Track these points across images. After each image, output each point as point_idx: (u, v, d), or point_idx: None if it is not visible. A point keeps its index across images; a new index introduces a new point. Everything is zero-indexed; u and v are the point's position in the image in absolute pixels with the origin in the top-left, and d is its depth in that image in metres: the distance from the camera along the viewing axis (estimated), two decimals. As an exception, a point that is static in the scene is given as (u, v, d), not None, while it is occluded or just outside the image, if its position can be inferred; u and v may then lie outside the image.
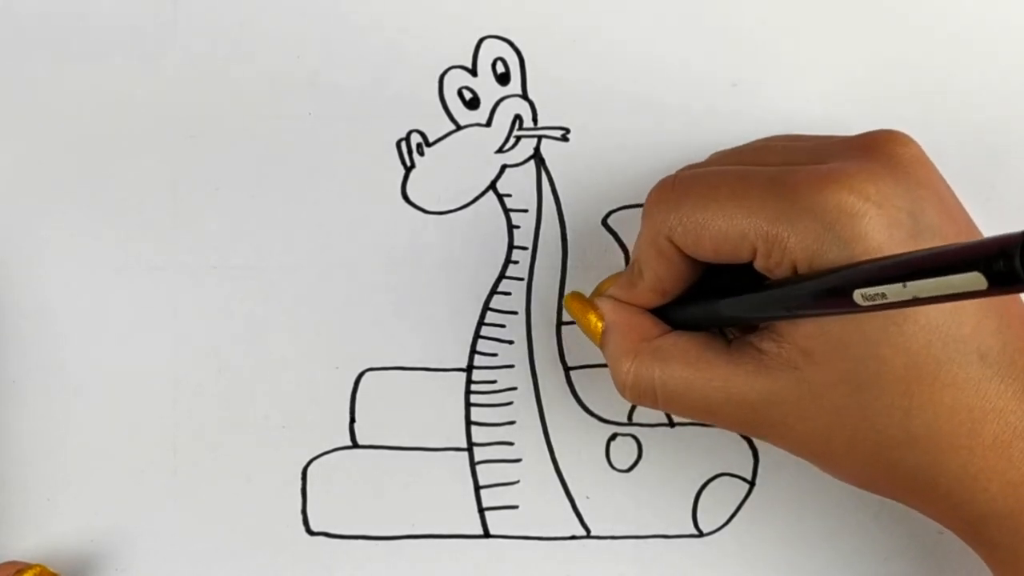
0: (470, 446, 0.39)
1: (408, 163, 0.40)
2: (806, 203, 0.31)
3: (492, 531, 0.39)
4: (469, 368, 0.40)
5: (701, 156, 0.39)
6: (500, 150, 0.40)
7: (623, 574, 0.39)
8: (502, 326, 0.40)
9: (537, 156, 0.40)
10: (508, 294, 0.40)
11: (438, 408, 0.39)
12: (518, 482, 0.39)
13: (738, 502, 0.39)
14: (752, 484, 0.39)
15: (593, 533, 0.39)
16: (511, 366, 0.40)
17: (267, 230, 0.40)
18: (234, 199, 0.40)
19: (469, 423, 0.39)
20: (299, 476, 0.39)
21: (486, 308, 0.40)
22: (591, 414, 0.40)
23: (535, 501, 0.39)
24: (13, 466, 0.39)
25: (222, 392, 0.39)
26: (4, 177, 0.40)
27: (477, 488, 0.39)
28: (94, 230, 0.40)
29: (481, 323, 0.40)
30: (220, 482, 0.39)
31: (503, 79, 0.40)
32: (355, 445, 0.39)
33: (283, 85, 0.40)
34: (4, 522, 0.39)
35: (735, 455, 0.39)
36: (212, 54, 0.40)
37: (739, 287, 0.34)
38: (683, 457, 0.39)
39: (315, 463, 0.39)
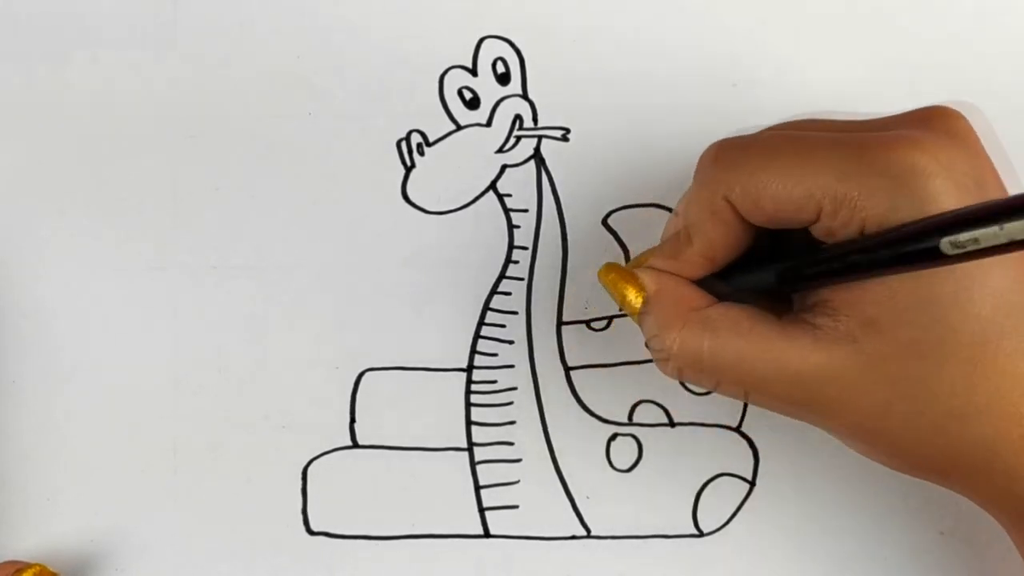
0: (470, 446, 0.39)
1: (408, 163, 0.40)
2: (877, 162, 0.30)
3: (492, 531, 0.39)
4: (469, 368, 0.40)
5: (701, 156, 0.39)
6: (500, 150, 0.40)
7: (623, 574, 0.39)
8: (502, 326, 0.40)
9: (537, 156, 0.40)
10: (508, 294, 0.40)
11: (438, 408, 0.39)
12: (518, 482, 0.39)
13: (738, 502, 0.39)
14: (752, 484, 0.39)
15: (593, 533, 0.39)
16: (511, 366, 0.40)
17: (267, 230, 0.40)
18: (234, 199, 0.40)
19: (469, 423, 0.39)
20: (299, 476, 0.39)
21: (486, 308, 0.40)
22: (591, 414, 0.40)
23: (535, 501, 0.39)
24: (13, 466, 0.39)
25: (222, 392, 0.39)
26: (4, 177, 0.40)
27: (477, 488, 0.39)
28: (94, 230, 0.40)
29: (481, 323, 0.40)
30: (220, 482, 0.39)
31: (503, 79, 0.40)
32: (355, 445, 0.39)
33: (283, 85, 0.40)
34: (4, 522, 0.39)
35: (735, 455, 0.39)
36: (212, 54, 0.40)
37: (784, 258, 0.33)
38: (683, 457, 0.39)
39: (315, 463, 0.39)
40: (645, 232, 0.39)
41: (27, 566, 0.37)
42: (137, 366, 0.39)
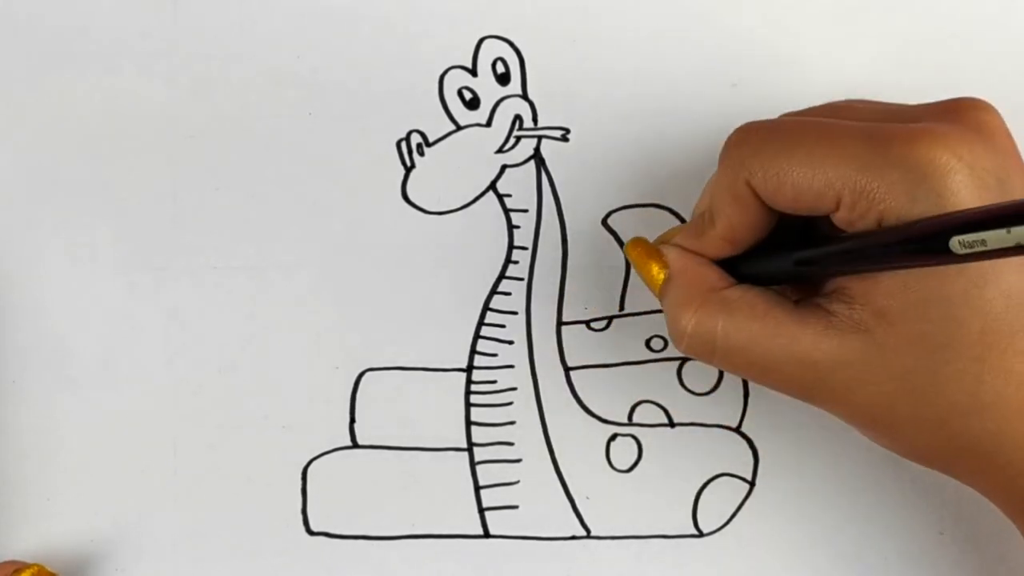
0: (470, 446, 0.39)
1: (408, 163, 0.40)
2: (898, 155, 0.30)
3: (492, 531, 0.39)
4: (469, 368, 0.40)
5: (701, 156, 0.39)
6: (500, 150, 0.40)
7: (623, 574, 0.39)
8: (502, 326, 0.40)
9: (537, 156, 0.40)
10: (508, 294, 0.40)
11: (438, 408, 0.39)
12: (518, 482, 0.39)
13: (738, 502, 0.39)
14: (752, 484, 0.39)
15: (593, 533, 0.39)
16: (511, 366, 0.40)
17: (267, 230, 0.40)
18: (234, 199, 0.40)
19: (469, 423, 0.39)
20: (299, 476, 0.39)
21: (486, 308, 0.40)
22: (591, 414, 0.40)
23: (535, 501, 0.39)
24: (13, 466, 0.39)
25: (222, 392, 0.39)
26: (4, 177, 0.40)
27: (477, 488, 0.39)
28: (94, 230, 0.40)
29: (481, 323, 0.40)
30: (220, 482, 0.39)
31: (503, 79, 0.40)
32: (355, 445, 0.39)
33: (283, 85, 0.40)
34: (3, 521, 0.39)
35: (735, 455, 0.39)
36: (212, 54, 0.40)
37: (807, 243, 0.33)
38: (683, 457, 0.39)
39: (315, 463, 0.39)
40: (645, 232, 0.39)
41: (26, 566, 0.37)
42: (137, 366, 0.39)
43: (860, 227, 0.31)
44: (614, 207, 0.40)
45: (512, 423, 0.40)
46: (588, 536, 0.39)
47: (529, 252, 0.40)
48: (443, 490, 0.39)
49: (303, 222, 0.40)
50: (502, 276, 0.40)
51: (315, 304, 0.40)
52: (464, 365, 0.40)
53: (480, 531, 0.39)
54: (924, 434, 0.32)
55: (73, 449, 0.39)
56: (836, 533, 0.39)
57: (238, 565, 0.39)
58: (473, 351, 0.40)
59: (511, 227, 0.40)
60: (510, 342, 0.40)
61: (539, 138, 0.40)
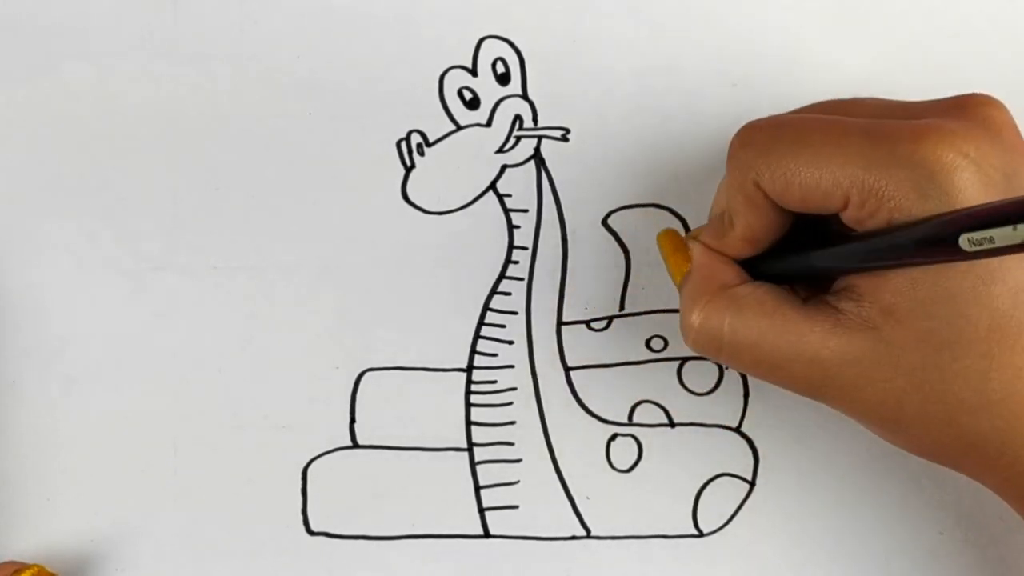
0: (470, 446, 0.39)
1: (408, 163, 0.40)
2: (905, 153, 0.31)
3: (492, 531, 0.39)
4: (469, 368, 0.40)
5: (701, 156, 0.39)
6: (500, 150, 0.40)
7: (623, 574, 0.39)
8: (502, 326, 0.40)
9: (537, 156, 0.40)
10: (508, 294, 0.40)
11: (438, 408, 0.39)
12: (518, 482, 0.39)
13: (738, 502, 0.39)
14: (752, 484, 0.39)
15: (593, 533, 0.39)
16: (511, 366, 0.40)
17: (267, 230, 0.40)
18: (234, 199, 0.40)
19: (469, 423, 0.39)
20: (299, 476, 0.39)
21: (486, 308, 0.40)
22: (591, 414, 0.40)
23: (535, 501, 0.39)
24: (12, 466, 0.39)
25: (222, 392, 0.39)
26: (4, 177, 0.40)
27: (477, 488, 0.39)
28: (94, 230, 0.40)
29: (481, 323, 0.40)
30: (220, 482, 0.39)
31: (503, 79, 0.40)
32: (355, 445, 0.39)
33: (283, 85, 0.40)
34: (3, 522, 0.39)
35: (735, 455, 0.39)
36: (212, 54, 0.40)
37: (825, 240, 0.33)
38: (683, 457, 0.39)
39: (315, 463, 0.39)
40: (645, 232, 0.39)
41: (26, 566, 0.37)
42: (137, 366, 0.39)
43: (870, 225, 0.31)
44: (614, 207, 0.40)
45: (512, 423, 0.40)
46: (588, 536, 0.39)
47: (529, 252, 0.40)
48: (443, 490, 0.39)
49: (303, 222, 0.40)
50: (502, 276, 0.40)
51: (315, 304, 0.40)
52: (464, 365, 0.40)
53: (480, 531, 0.39)
54: (932, 431, 0.32)
55: (73, 449, 0.39)
56: (836, 533, 0.39)
57: (238, 565, 0.39)
58: (473, 351, 0.40)
59: (511, 227, 0.40)
60: (510, 342, 0.40)
61: (539, 138, 0.40)
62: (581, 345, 0.40)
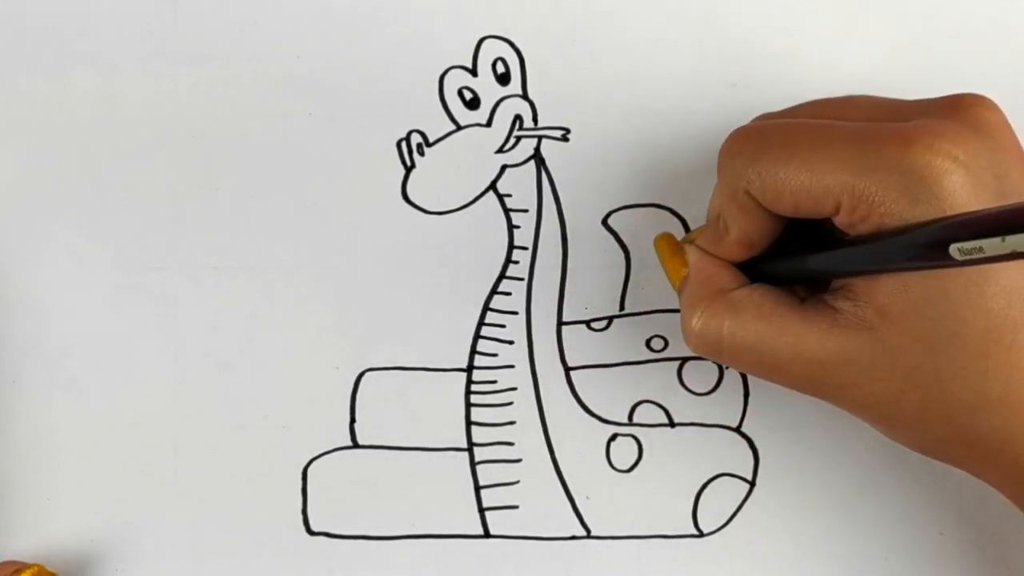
0: (470, 446, 0.39)
1: (408, 163, 0.40)
2: (894, 158, 0.31)
3: (492, 531, 0.39)
4: (469, 368, 0.40)
5: (701, 156, 0.39)
6: (500, 150, 0.40)
7: (623, 574, 0.39)
8: (502, 326, 0.40)
9: (537, 156, 0.40)
10: (508, 294, 0.40)
11: (438, 408, 0.39)
12: (518, 482, 0.39)
13: (738, 502, 0.39)
14: (752, 484, 0.39)
15: (593, 533, 0.39)
16: (511, 366, 0.40)
17: (267, 230, 0.40)
18: (234, 199, 0.40)
19: (469, 423, 0.39)
20: (299, 476, 0.39)
21: (486, 308, 0.40)
22: (591, 414, 0.40)
23: (535, 501, 0.39)
24: (12, 466, 0.39)
25: (222, 392, 0.39)
26: (4, 177, 0.40)
27: (477, 488, 0.39)
28: (94, 230, 0.40)
29: (481, 323, 0.40)
30: (220, 482, 0.39)
31: (503, 79, 0.40)
32: (355, 445, 0.39)
33: (283, 85, 0.40)
34: (3, 522, 0.39)
35: (735, 455, 0.39)
36: (212, 54, 0.40)
37: (822, 242, 0.33)
38: (683, 457, 0.39)
39: (315, 463, 0.39)
40: (645, 232, 0.39)
41: (26, 566, 0.37)
42: (137, 366, 0.39)
43: (861, 230, 0.31)
44: (614, 207, 0.40)
45: (512, 423, 0.40)
46: (588, 536, 0.39)
47: (529, 252, 0.40)
48: (443, 490, 0.39)
49: (303, 222, 0.40)
50: (502, 276, 0.40)
51: (315, 304, 0.40)
52: (464, 365, 0.40)
53: (480, 531, 0.39)
54: (932, 429, 0.32)
55: (73, 449, 0.39)
56: (836, 533, 0.39)
57: (238, 565, 0.39)
58: (473, 351, 0.40)
59: (511, 227, 0.40)
60: (510, 342, 0.40)
61: (539, 138, 0.40)
62: (581, 345, 0.40)
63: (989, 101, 0.33)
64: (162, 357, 0.39)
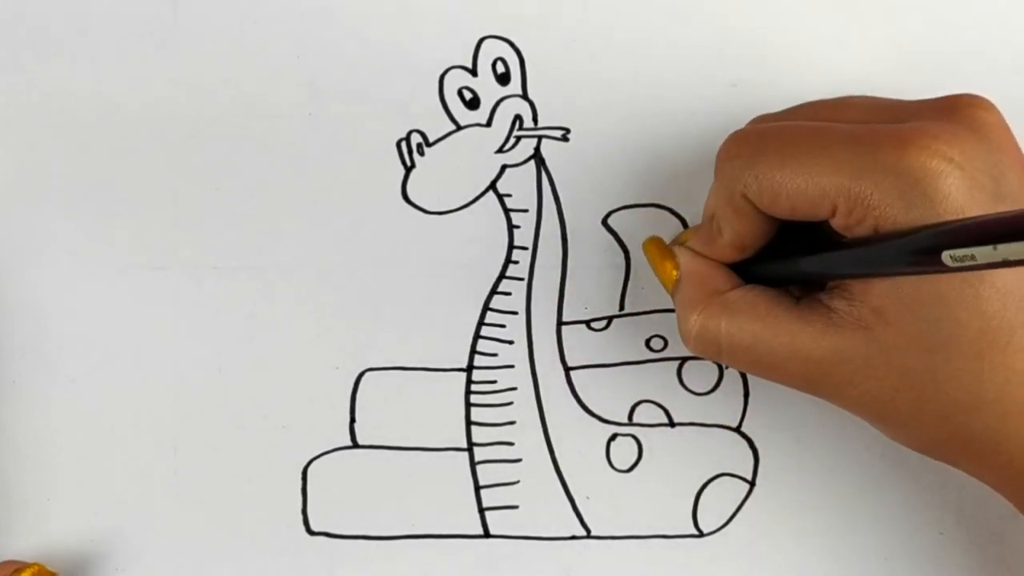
0: (470, 446, 0.39)
1: (408, 163, 0.40)
2: (889, 161, 0.31)
3: (492, 531, 0.39)
4: (469, 368, 0.40)
5: (701, 156, 0.39)
6: (500, 150, 0.40)
7: (623, 574, 0.39)
8: (502, 326, 0.40)
9: (537, 156, 0.40)
10: (508, 294, 0.40)
11: (438, 408, 0.39)
12: (518, 482, 0.39)
13: (738, 502, 0.39)
14: (752, 484, 0.39)
15: (593, 533, 0.39)
16: (511, 366, 0.40)
17: (267, 230, 0.40)
18: (234, 199, 0.40)
19: (469, 423, 0.39)
20: (299, 476, 0.39)
21: (486, 308, 0.40)
22: (591, 414, 0.40)
23: (535, 501, 0.39)
24: (12, 466, 0.39)
25: (222, 392, 0.39)
26: (4, 177, 0.40)
27: (477, 488, 0.39)
28: (94, 230, 0.40)
29: (481, 323, 0.40)
30: (220, 482, 0.39)
31: (503, 79, 0.40)
32: (355, 445, 0.39)
33: (283, 85, 0.40)
34: (3, 521, 0.39)
35: (735, 455, 0.39)
36: (212, 54, 0.40)
37: (816, 244, 0.33)
38: (683, 457, 0.39)
39: (315, 463, 0.39)
40: (645, 232, 0.39)
41: (26, 566, 0.37)
42: (137, 366, 0.39)
43: (858, 232, 0.32)
44: (614, 207, 0.40)
45: (512, 423, 0.40)
46: (588, 536, 0.39)
47: (529, 252, 0.40)
48: (443, 490, 0.39)
49: (303, 222, 0.40)
50: (502, 276, 0.40)
51: (315, 304, 0.40)
52: (464, 365, 0.40)
53: (480, 531, 0.39)
54: (928, 428, 0.32)
55: (73, 449, 0.39)
56: (836, 533, 0.39)
57: (238, 565, 0.39)
58: (473, 351, 0.40)
59: (511, 227, 0.40)
60: (510, 342, 0.40)
61: (539, 138, 0.40)
62: (581, 345, 0.40)
63: (987, 102, 0.33)
64: (162, 357, 0.39)
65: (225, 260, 0.40)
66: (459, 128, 0.40)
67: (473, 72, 0.40)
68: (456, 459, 0.39)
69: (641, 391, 0.40)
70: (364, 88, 0.40)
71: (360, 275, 0.40)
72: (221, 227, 0.40)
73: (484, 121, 0.40)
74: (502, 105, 0.40)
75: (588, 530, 0.39)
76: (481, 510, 0.39)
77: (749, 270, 0.36)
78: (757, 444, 0.39)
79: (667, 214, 0.40)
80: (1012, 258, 0.25)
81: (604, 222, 0.40)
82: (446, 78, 0.40)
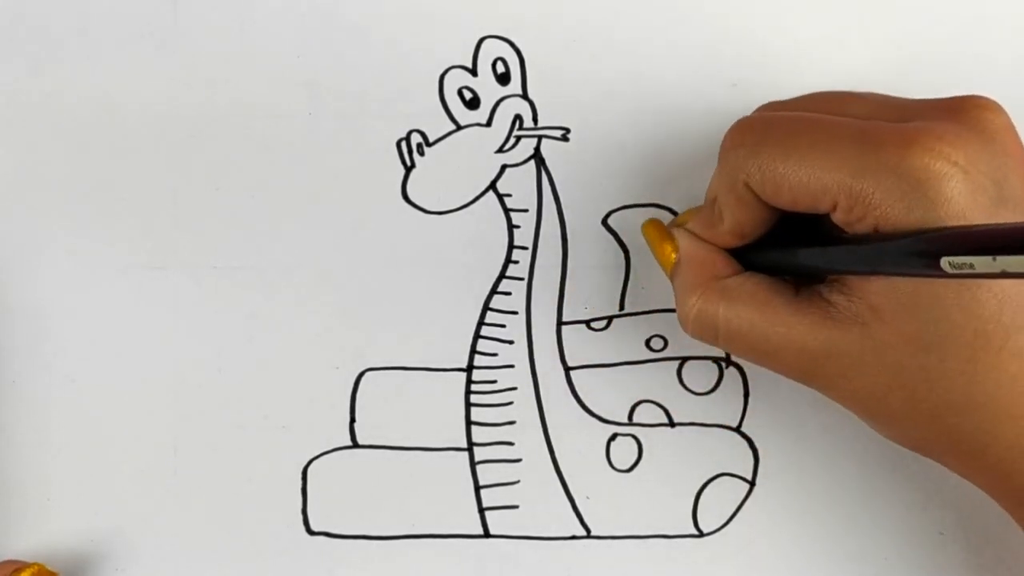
0: (470, 446, 0.39)
1: (408, 163, 0.40)
2: (892, 161, 0.30)
3: (492, 531, 0.39)
4: (469, 368, 0.40)
5: (701, 156, 0.39)
6: (500, 150, 0.40)
7: (623, 574, 0.39)
8: (502, 326, 0.40)
9: (537, 156, 0.40)
10: (508, 294, 0.40)
11: (438, 408, 0.39)
12: (518, 482, 0.39)
13: (738, 502, 0.39)
14: (752, 484, 0.39)
15: (593, 533, 0.39)
16: (511, 366, 0.40)
17: (267, 230, 0.40)
18: (234, 199, 0.40)
19: (469, 423, 0.39)
20: (299, 476, 0.39)
21: (486, 308, 0.40)
22: (591, 414, 0.40)
23: (535, 501, 0.39)
24: (12, 466, 0.39)
25: (222, 392, 0.39)
26: (4, 177, 0.40)
27: (477, 488, 0.39)
28: (94, 230, 0.40)
29: (481, 323, 0.40)
30: (220, 482, 0.39)
31: (503, 79, 0.40)
32: (355, 445, 0.39)
33: (283, 85, 0.40)
34: (3, 522, 0.39)
35: (735, 455, 0.39)
36: (212, 54, 0.40)
37: (816, 237, 0.33)
38: (683, 457, 0.39)
39: (315, 463, 0.39)
40: (645, 232, 0.39)
41: (26, 566, 0.37)
42: (137, 366, 0.39)
43: (858, 229, 0.32)
44: (614, 207, 0.40)
45: (512, 423, 0.40)
46: (588, 536, 0.39)
47: (529, 252, 0.40)
48: (443, 490, 0.39)
49: (303, 222, 0.40)
50: (502, 276, 0.40)
51: (315, 304, 0.40)
52: (464, 365, 0.40)
53: (480, 531, 0.39)
54: (918, 426, 0.33)
55: (73, 449, 0.39)
56: (836, 533, 0.39)
57: (238, 565, 0.39)
58: (473, 351, 0.40)
59: (511, 227, 0.40)
60: (510, 342, 0.40)
61: (539, 138, 0.40)
62: (581, 345, 0.40)
63: (994, 104, 0.33)
64: (162, 357, 0.39)
65: (225, 260, 0.40)
66: (459, 128, 0.40)
67: (473, 72, 0.40)
68: (456, 459, 0.39)
69: (641, 391, 0.40)
70: (364, 88, 0.40)
71: (360, 275, 0.40)
72: (221, 227, 0.40)
73: (484, 121, 0.40)
74: (502, 105, 0.40)
75: (588, 530, 0.39)
76: (481, 510, 0.39)
77: (748, 257, 0.36)
78: (757, 444, 0.39)
79: (667, 214, 0.40)
80: (1011, 270, 0.25)
81: (604, 222, 0.40)
82: (446, 78, 0.40)
